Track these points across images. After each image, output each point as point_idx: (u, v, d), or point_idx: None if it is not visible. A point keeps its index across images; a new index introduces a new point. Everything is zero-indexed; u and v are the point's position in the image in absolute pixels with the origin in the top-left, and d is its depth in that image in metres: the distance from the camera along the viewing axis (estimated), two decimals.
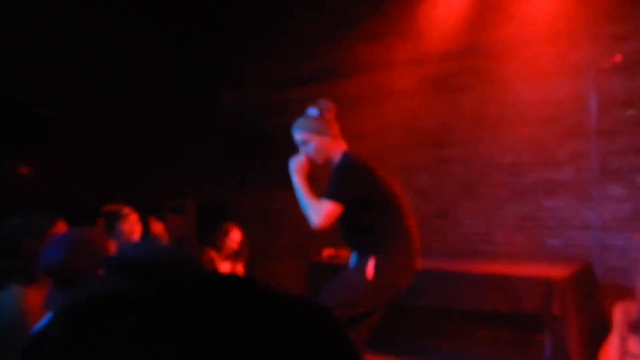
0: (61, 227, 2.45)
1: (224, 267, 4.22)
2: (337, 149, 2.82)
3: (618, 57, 4.04)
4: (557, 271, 3.63)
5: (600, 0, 4.22)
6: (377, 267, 2.64)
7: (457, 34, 4.91)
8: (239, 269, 4.31)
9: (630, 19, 4.13)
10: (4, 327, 2.02)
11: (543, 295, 3.42)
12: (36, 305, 1.89)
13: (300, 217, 6.51)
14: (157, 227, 3.94)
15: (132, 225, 3.34)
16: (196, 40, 6.06)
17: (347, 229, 2.81)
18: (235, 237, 4.31)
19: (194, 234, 5.09)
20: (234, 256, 4.33)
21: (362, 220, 2.73)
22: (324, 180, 2.74)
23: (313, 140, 2.81)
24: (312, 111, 2.85)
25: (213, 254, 4.22)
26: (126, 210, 3.33)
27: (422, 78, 5.14)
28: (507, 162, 4.71)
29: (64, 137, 4.63)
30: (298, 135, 2.85)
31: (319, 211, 2.63)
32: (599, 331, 3.62)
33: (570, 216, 4.36)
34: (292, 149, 6.13)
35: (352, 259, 2.85)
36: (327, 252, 4.76)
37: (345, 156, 2.78)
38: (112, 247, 1.94)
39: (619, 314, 3.54)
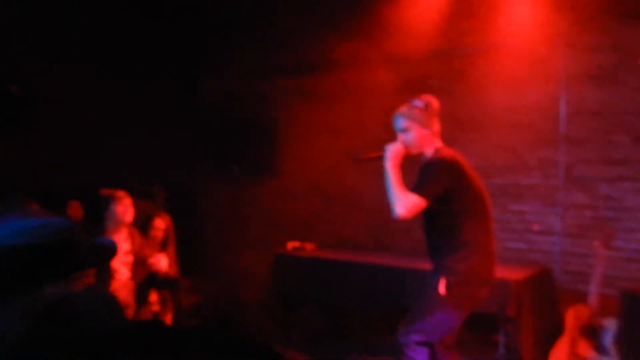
0: None
1: (153, 259, 3.90)
2: (432, 145, 2.87)
3: None
4: (515, 274, 3.69)
5: (576, 10, 4.28)
6: (447, 286, 2.70)
7: (436, 35, 4.95)
8: (164, 260, 3.95)
9: (604, 31, 4.20)
10: None
11: (499, 297, 3.48)
12: None
13: (269, 209, 6.58)
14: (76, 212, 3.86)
15: (125, 207, 3.68)
16: (177, 24, 6.02)
17: (429, 227, 2.86)
18: (158, 225, 4.06)
19: None
20: (161, 247, 4.03)
21: (444, 221, 2.77)
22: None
23: (414, 130, 2.85)
24: (418, 102, 2.90)
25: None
26: (121, 194, 3.69)
27: (401, 77, 5.18)
28: (477, 165, 4.76)
29: (33, 117, 4.57)
30: (400, 123, 2.89)
31: (405, 203, 2.67)
32: (554, 334, 3.71)
33: (535, 221, 4.44)
34: (267, 140, 6.15)
35: (431, 273, 2.85)
36: (291, 245, 4.80)
37: (438, 152, 2.83)
38: None
39: (572, 317, 3.63)
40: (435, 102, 2.92)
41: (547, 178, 4.44)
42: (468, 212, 2.79)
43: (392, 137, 5.20)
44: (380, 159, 2.86)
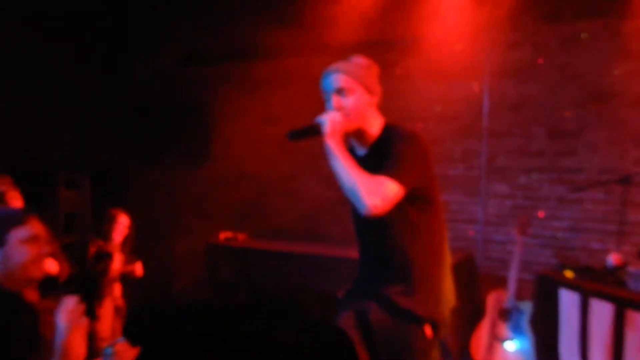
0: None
1: (117, 259, 3.86)
2: (377, 118, 2.11)
3: None
4: None
5: (498, 9, 4.48)
6: (434, 328, 2.09)
7: (370, 26, 5.03)
8: (126, 260, 3.92)
9: (524, 30, 4.44)
10: None
11: None
12: None
13: (202, 197, 6.50)
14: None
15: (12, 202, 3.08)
16: (109, 6, 5.78)
17: (385, 237, 2.07)
18: (124, 224, 3.93)
19: (89, 211, 4.87)
20: (122, 246, 3.94)
21: (413, 224, 2.05)
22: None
23: (356, 93, 2.04)
24: (360, 60, 2.13)
25: (105, 245, 3.82)
26: (4, 186, 3.00)
27: None
28: None
29: None
30: (337, 80, 2.05)
31: (381, 191, 1.87)
32: (475, 317, 3.94)
33: (458, 210, 4.65)
34: (200, 127, 6.07)
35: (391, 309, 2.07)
36: (224, 235, 4.79)
37: (400, 127, 2.04)
38: None
39: (492, 302, 3.86)
40: (376, 66, 2.16)
41: (470, 169, 4.66)
42: (437, 211, 2.12)
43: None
44: (316, 133, 2.04)
